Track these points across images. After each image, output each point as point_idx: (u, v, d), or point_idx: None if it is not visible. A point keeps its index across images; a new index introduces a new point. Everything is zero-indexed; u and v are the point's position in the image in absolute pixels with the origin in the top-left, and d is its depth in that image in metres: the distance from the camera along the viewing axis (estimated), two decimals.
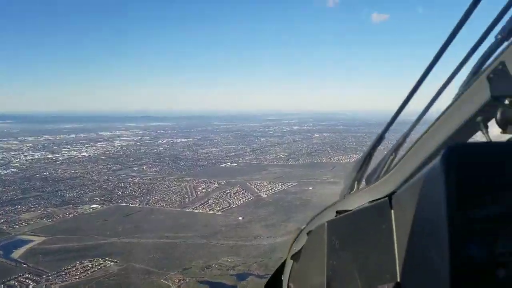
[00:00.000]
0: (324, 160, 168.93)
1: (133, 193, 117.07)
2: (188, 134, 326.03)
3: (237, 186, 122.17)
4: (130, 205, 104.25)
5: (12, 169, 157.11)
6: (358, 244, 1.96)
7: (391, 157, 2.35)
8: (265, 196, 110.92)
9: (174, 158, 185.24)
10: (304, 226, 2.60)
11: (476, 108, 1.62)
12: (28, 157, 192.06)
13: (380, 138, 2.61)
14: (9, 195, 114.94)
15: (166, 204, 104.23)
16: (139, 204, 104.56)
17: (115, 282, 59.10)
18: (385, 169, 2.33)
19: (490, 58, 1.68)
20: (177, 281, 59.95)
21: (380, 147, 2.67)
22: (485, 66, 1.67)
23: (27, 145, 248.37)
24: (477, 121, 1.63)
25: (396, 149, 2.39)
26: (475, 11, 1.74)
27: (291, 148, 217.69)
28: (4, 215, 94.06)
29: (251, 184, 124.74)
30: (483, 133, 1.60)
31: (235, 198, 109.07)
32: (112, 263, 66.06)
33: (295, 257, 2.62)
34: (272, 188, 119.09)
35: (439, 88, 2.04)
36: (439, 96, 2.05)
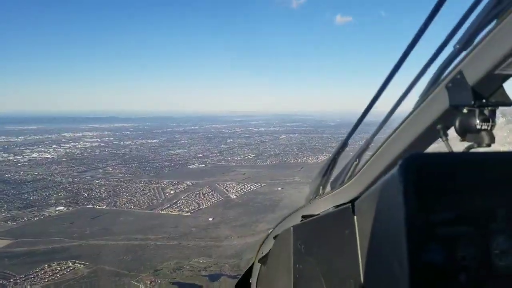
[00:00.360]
0: (292, 161, 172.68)
1: (100, 195, 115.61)
2: (154, 135, 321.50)
3: (206, 187, 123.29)
4: (97, 207, 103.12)
5: None
6: (323, 249, 2.01)
7: (355, 163, 2.38)
8: (234, 197, 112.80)
9: (141, 160, 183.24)
10: (270, 230, 2.75)
11: (436, 116, 1.65)
12: None
13: (344, 144, 2.67)
14: None
15: (134, 206, 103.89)
16: (107, 206, 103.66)
17: (85, 285, 59.12)
18: (349, 174, 2.36)
19: (449, 67, 1.70)
20: (149, 282, 60.61)
21: (348, 149, 2.77)
22: (444, 75, 1.70)
23: None
24: (437, 129, 1.67)
25: (359, 154, 2.42)
26: (435, 19, 1.78)
27: (258, 149, 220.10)
28: None
29: (219, 185, 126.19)
30: (443, 141, 1.64)
31: (204, 199, 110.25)
32: (82, 265, 65.80)
33: (263, 260, 2.76)
34: (241, 189, 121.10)
35: (400, 95, 2.11)
36: (401, 103, 2.10)
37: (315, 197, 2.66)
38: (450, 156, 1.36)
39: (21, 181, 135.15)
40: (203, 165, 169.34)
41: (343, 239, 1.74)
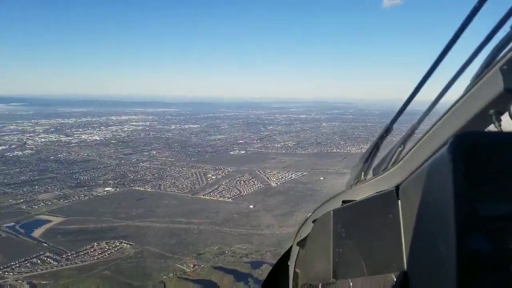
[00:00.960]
0: (334, 150, 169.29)
1: (145, 177, 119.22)
2: (195, 120, 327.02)
3: (246, 174, 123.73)
4: (142, 189, 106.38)
5: (27, 151, 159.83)
6: (364, 233, 2.03)
7: (399, 149, 2.33)
8: (275, 185, 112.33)
9: (183, 144, 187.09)
10: (310, 214, 2.76)
11: (489, 100, 1.57)
12: (42, 139, 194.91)
13: (387, 129, 2.62)
14: (27, 175, 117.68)
15: (177, 190, 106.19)
16: (151, 189, 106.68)
17: (133, 264, 61.18)
18: (392, 160, 2.32)
19: (504, 49, 1.63)
20: (192, 266, 61.78)
21: (389, 138, 2.72)
22: (498, 57, 1.62)
23: (40, 127, 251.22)
24: (489, 114, 1.59)
25: (404, 140, 2.37)
26: (489, 0, 1.70)
27: (299, 137, 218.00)
28: (23, 195, 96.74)
29: (260, 173, 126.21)
30: (495, 126, 1.56)
31: (245, 186, 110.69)
32: (128, 245, 68.18)
33: (301, 243, 2.77)
34: (282, 177, 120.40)
35: (449, 79, 2.04)
36: (450, 87, 2.04)
37: (356, 183, 2.61)
38: (507, 136, 1.30)
39: (72, 161, 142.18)
40: (244, 152, 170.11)
41: (386, 224, 1.76)
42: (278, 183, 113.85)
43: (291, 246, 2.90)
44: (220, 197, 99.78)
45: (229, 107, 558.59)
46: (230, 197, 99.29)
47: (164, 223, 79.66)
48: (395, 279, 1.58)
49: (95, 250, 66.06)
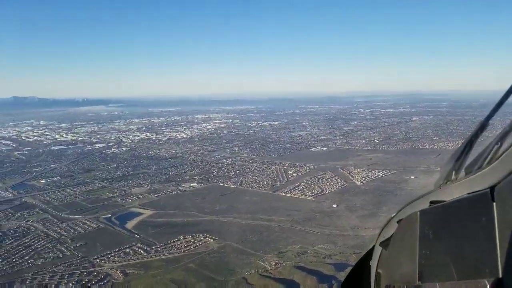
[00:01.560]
0: (427, 146, 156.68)
1: (227, 173, 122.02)
2: (276, 117, 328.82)
3: (329, 172, 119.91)
4: (225, 185, 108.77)
5: (123, 148, 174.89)
6: (454, 236, 1.91)
7: (496, 146, 2.12)
8: (360, 183, 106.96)
9: (264, 141, 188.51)
10: (394, 214, 2.53)
11: None
12: (136, 137, 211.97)
13: (483, 125, 2.37)
14: (122, 171, 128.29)
15: (258, 186, 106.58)
16: (233, 185, 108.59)
17: (216, 259, 62.22)
18: (488, 159, 2.12)
19: None
20: (274, 264, 60.94)
21: (485, 134, 2.44)
22: None
23: (134, 126, 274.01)
24: None
25: (502, 137, 2.15)
26: None
27: (386, 132, 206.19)
28: (119, 189, 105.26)
29: (344, 170, 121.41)
30: None
31: (328, 184, 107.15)
32: (212, 240, 69.67)
33: (384, 244, 2.55)
34: (367, 176, 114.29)
35: None
36: None
37: (446, 183, 2.49)
38: None
39: (162, 157, 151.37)
40: (325, 148, 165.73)
41: (479, 227, 1.71)
42: (363, 182, 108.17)
43: (373, 246, 2.76)
44: (302, 194, 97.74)
45: (310, 102, 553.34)
46: (312, 195, 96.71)
47: (245, 219, 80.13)
48: (488, 286, 1.52)
49: (181, 243, 68.64)
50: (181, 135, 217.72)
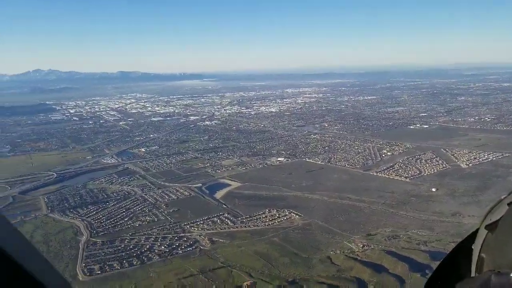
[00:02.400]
0: None
1: (316, 149, 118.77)
2: (371, 91, 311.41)
3: (428, 152, 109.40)
4: (313, 161, 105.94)
5: (215, 121, 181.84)
6: None
7: None
8: (465, 166, 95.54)
9: (356, 117, 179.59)
10: (504, 195, 2.34)
11: None
12: (227, 111, 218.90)
13: None
14: (213, 143, 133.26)
15: (348, 164, 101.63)
16: (322, 161, 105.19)
17: (301, 235, 60.81)
18: None
19: None
20: (361, 246, 57.39)
21: None
22: None
23: (226, 100, 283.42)
24: None
25: None
26: None
27: (500, 110, 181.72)
28: (209, 160, 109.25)
29: (446, 151, 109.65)
30: None
31: (427, 165, 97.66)
32: (297, 216, 68.23)
33: (491, 227, 2.40)
34: (474, 158, 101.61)
35: None
36: None
37: None
38: None
39: (251, 131, 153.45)
40: (426, 126, 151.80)
41: None
42: (470, 165, 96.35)
43: (477, 229, 2.55)
44: (396, 175, 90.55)
45: (410, 76, 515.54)
46: (408, 177, 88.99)
47: (333, 197, 76.91)
48: None
49: (266, 216, 68.51)
50: (270, 109, 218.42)
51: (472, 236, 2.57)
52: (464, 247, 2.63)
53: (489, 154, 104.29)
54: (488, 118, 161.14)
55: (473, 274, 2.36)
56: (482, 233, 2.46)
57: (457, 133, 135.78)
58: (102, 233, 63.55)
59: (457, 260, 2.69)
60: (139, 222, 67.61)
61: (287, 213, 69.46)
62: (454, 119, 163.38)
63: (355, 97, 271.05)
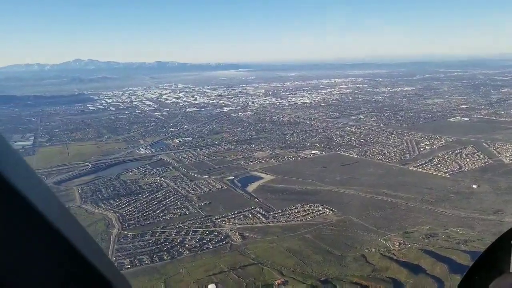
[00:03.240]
0: None
1: (351, 142, 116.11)
2: (409, 82, 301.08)
3: (469, 146, 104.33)
4: (348, 154, 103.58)
5: (249, 112, 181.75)
6: None
7: None
8: (509, 161, 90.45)
9: (394, 109, 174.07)
10: None
11: None
12: (261, 102, 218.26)
13: None
14: (246, 134, 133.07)
15: (384, 158, 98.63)
16: (357, 155, 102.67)
17: (334, 232, 59.49)
18: None
19: None
20: (397, 244, 55.48)
21: None
22: None
23: (260, 90, 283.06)
24: None
25: None
26: None
27: None
28: (242, 152, 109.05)
29: (488, 145, 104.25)
30: None
31: (467, 160, 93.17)
32: (331, 212, 66.85)
33: None
34: None
35: None
36: None
37: None
38: None
39: (284, 122, 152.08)
40: (467, 119, 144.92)
41: None
42: None
43: None
44: (435, 170, 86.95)
45: (451, 66, 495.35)
46: (447, 172, 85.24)
47: (368, 193, 74.81)
48: None
49: (299, 211, 67.52)
50: (304, 101, 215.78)
51: (510, 233, 2.53)
52: (503, 242, 2.57)
53: None
54: None
55: None
56: None
57: (500, 126, 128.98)
58: (133, 225, 64.25)
59: (495, 255, 2.61)
60: (170, 215, 68.01)
61: (320, 208, 68.19)
62: (497, 112, 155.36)
63: (393, 88, 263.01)
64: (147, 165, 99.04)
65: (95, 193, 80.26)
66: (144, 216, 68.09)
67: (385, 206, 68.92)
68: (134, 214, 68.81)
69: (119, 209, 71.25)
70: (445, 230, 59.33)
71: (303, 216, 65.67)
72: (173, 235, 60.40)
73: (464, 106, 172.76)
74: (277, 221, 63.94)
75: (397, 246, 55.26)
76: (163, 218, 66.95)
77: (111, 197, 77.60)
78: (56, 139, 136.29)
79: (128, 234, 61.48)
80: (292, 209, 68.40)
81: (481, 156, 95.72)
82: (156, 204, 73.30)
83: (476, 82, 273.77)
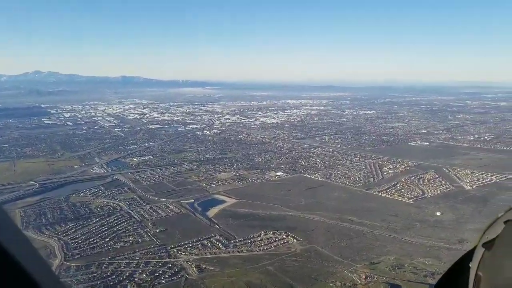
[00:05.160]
0: None
1: (316, 164, 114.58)
2: (371, 105, 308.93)
3: (431, 171, 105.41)
4: (313, 177, 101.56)
5: (214, 130, 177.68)
6: None
7: None
8: (469, 188, 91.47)
9: (357, 131, 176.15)
10: (501, 214, 2.33)
11: None
12: (227, 120, 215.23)
13: None
14: (210, 154, 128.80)
15: (349, 182, 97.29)
16: (322, 178, 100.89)
17: (298, 264, 56.03)
18: None
19: None
20: (364, 277, 52.78)
21: None
22: None
23: (227, 109, 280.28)
24: None
25: None
26: None
27: (498, 129, 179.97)
28: (205, 173, 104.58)
29: (449, 171, 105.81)
30: None
31: (430, 186, 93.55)
32: (295, 240, 63.58)
33: (488, 245, 2.45)
34: (478, 179, 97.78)
35: None
36: None
37: None
38: None
39: (250, 142, 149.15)
40: (427, 143, 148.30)
41: None
42: (474, 186, 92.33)
43: (474, 247, 2.56)
44: (399, 196, 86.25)
45: (409, 91, 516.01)
46: (411, 198, 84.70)
47: (334, 219, 72.36)
48: None
49: (261, 239, 63.71)
50: (271, 120, 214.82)
51: (470, 254, 2.49)
52: (462, 266, 2.54)
53: (492, 175, 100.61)
54: (488, 137, 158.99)
55: None
56: (479, 251, 2.40)
57: (458, 151, 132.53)
58: (78, 255, 57.88)
59: (454, 278, 2.61)
60: (121, 243, 62.12)
61: (284, 236, 64.76)
62: (454, 137, 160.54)
63: (356, 110, 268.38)
64: (100, 186, 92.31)
65: (39, 217, 72.90)
66: (92, 244, 61.77)
67: (351, 234, 66.56)
68: (81, 242, 62.34)
69: (64, 236, 64.51)
70: (412, 261, 57.54)
71: (266, 245, 61.89)
72: (122, 267, 54.55)
73: (423, 131, 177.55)
74: (238, 251, 59.73)
75: (363, 279, 52.65)
76: (113, 247, 60.84)
77: (57, 222, 70.60)
78: (2, 155, 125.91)
79: (71, 265, 55.16)
80: (255, 237, 64.50)
81: (443, 182, 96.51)
82: (106, 230, 67.03)
83: (434, 108, 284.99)
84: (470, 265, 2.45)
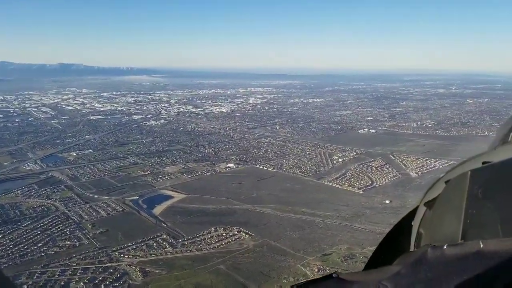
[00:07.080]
0: (486, 133, 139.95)
1: (267, 155, 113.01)
2: (320, 93, 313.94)
3: (378, 159, 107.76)
4: (264, 168, 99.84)
5: (161, 121, 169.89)
6: (505, 194, 1.90)
7: None
8: (415, 175, 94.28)
9: (307, 119, 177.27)
10: (442, 175, 2.32)
11: None
12: (175, 110, 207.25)
13: None
14: (156, 146, 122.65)
15: (300, 172, 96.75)
16: (273, 168, 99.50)
17: (251, 260, 53.77)
18: None
19: None
20: (316, 270, 51.87)
21: None
22: None
23: (175, 98, 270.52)
24: None
25: None
26: None
27: (439, 115, 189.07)
28: (151, 167, 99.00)
29: (395, 157, 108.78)
30: None
31: (378, 174, 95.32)
32: (247, 235, 61.31)
33: (429, 204, 2.51)
34: (422, 165, 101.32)
35: None
36: None
37: (503, 144, 2.46)
38: None
39: (199, 133, 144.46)
40: (373, 131, 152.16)
41: None
42: (419, 173, 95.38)
43: (417, 207, 2.59)
44: (349, 185, 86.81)
45: (355, 79, 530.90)
46: (361, 188, 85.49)
47: (286, 212, 70.93)
48: None
49: (212, 236, 60.70)
50: (221, 109, 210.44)
51: (412, 213, 2.60)
52: (405, 224, 2.66)
53: (435, 161, 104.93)
54: (429, 124, 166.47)
55: (412, 249, 2.49)
56: (421, 210, 2.51)
57: (403, 138, 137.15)
58: (6, 264, 51.50)
59: (397, 236, 2.72)
60: (56, 248, 56.39)
61: (235, 232, 62.21)
62: (399, 124, 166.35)
63: (305, 99, 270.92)
64: (33, 185, 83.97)
65: None
66: (22, 251, 55.50)
67: (303, 225, 65.53)
68: (9, 250, 55.78)
69: None
70: (363, 250, 57.55)
71: (217, 242, 59.00)
72: (57, 276, 49.32)
73: (370, 118, 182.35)
74: (186, 251, 56.23)
75: (315, 272, 51.69)
76: (46, 253, 55.05)
77: None
78: None
79: None
80: (205, 234, 61.35)
81: (390, 169, 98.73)
82: (39, 234, 60.61)
83: (378, 95, 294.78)
84: (412, 224, 2.53)
